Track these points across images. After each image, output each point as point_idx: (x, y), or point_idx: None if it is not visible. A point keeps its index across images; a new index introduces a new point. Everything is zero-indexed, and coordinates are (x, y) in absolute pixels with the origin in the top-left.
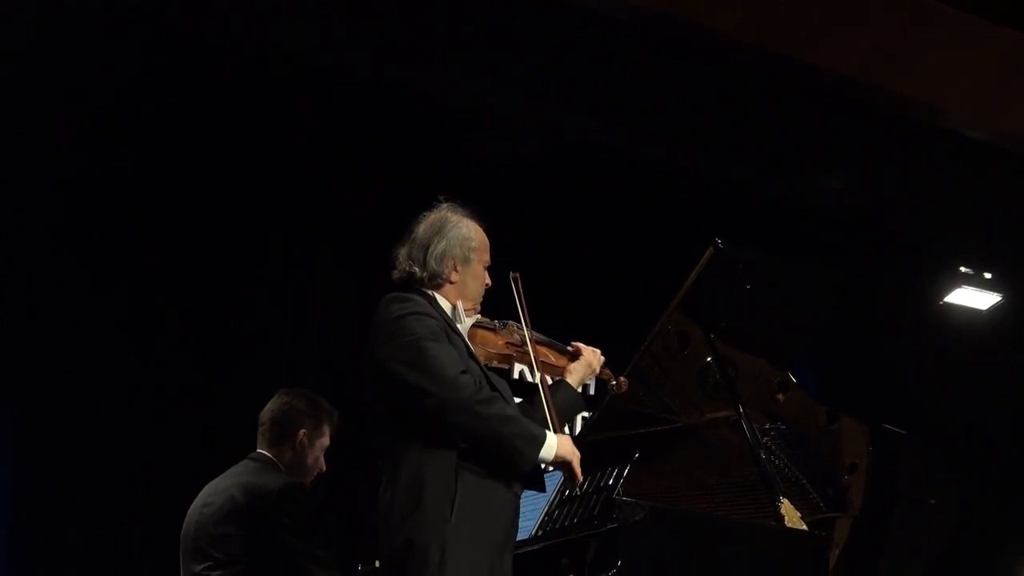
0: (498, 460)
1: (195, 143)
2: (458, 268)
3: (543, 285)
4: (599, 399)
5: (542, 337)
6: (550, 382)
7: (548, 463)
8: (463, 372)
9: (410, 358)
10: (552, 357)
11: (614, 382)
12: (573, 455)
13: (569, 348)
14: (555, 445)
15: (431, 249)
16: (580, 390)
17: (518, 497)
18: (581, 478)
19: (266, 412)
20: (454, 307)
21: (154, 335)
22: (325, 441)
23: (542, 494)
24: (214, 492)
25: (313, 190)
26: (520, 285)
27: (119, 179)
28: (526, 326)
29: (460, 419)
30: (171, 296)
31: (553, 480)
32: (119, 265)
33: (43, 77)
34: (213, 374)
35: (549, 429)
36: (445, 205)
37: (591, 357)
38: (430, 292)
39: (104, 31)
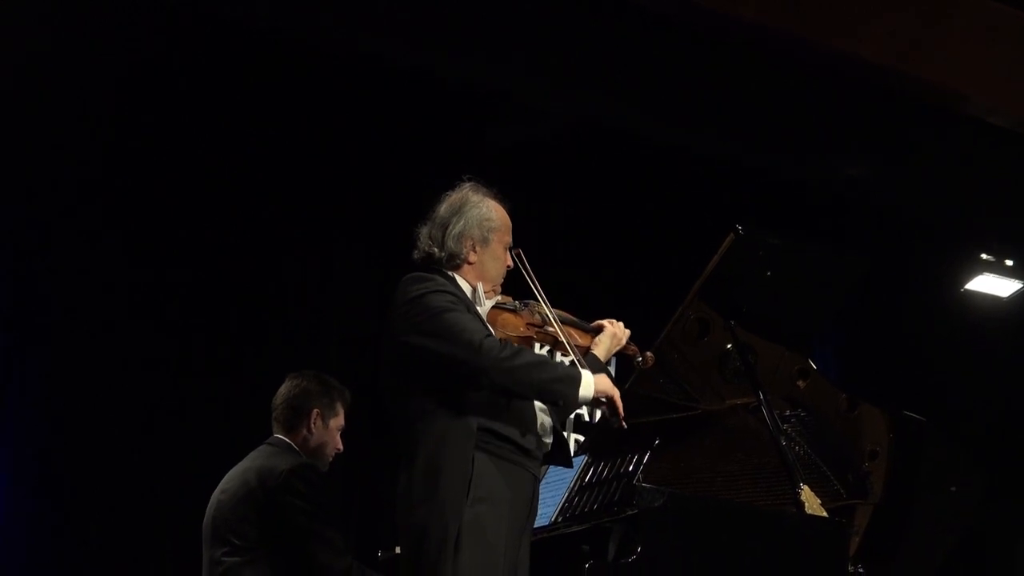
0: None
1: (214, 125)
2: (476, 248)
3: (563, 268)
4: (620, 385)
5: (564, 315)
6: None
7: (590, 400)
8: (489, 335)
9: (436, 329)
10: (576, 336)
11: (640, 358)
12: (613, 389)
13: (592, 325)
14: (592, 381)
15: (449, 229)
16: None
17: (536, 479)
18: (622, 412)
19: (279, 397)
20: (474, 289)
21: (172, 323)
22: (340, 421)
23: (562, 481)
24: (231, 478)
25: (333, 176)
26: (524, 260)
27: (138, 161)
28: (544, 302)
29: (496, 379)
30: (189, 283)
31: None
32: (135, 250)
33: (64, 59)
34: (230, 362)
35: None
36: (467, 185)
37: (614, 329)
38: (449, 273)
39: (123, 14)
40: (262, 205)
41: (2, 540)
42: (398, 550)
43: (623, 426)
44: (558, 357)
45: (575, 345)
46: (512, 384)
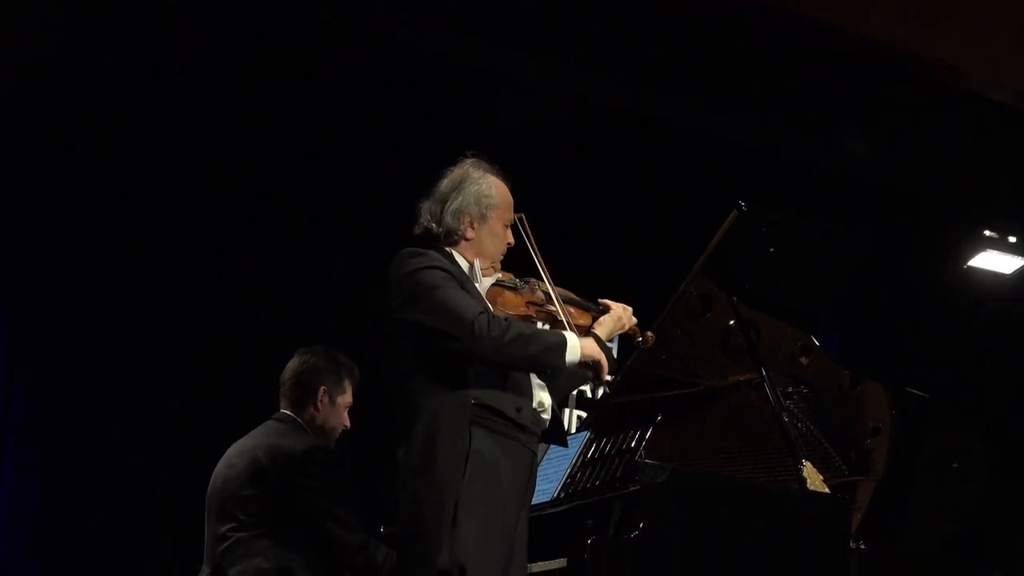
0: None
1: (214, 125)
2: (474, 225)
3: (568, 246)
4: (622, 362)
5: (566, 293)
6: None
7: (577, 363)
8: (481, 312)
9: (429, 306)
10: (575, 313)
11: (640, 338)
12: (599, 353)
13: (599, 306)
14: (579, 345)
15: (448, 205)
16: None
17: (534, 455)
18: (607, 377)
19: (287, 372)
20: (471, 265)
21: (172, 323)
22: (348, 398)
23: (565, 457)
24: (238, 453)
25: (333, 175)
26: (527, 225)
27: (138, 161)
28: (545, 277)
29: (489, 356)
30: (189, 283)
31: (574, 443)
32: (135, 250)
33: (64, 59)
34: (230, 362)
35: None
36: (469, 160)
37: (620, 312)
38: (447, 249)
39: (123, 14)
40: (262, 205)
41: (2, 540)
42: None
43: (607, 390)
44: None
45: (574, 324)
46: (504, 360)
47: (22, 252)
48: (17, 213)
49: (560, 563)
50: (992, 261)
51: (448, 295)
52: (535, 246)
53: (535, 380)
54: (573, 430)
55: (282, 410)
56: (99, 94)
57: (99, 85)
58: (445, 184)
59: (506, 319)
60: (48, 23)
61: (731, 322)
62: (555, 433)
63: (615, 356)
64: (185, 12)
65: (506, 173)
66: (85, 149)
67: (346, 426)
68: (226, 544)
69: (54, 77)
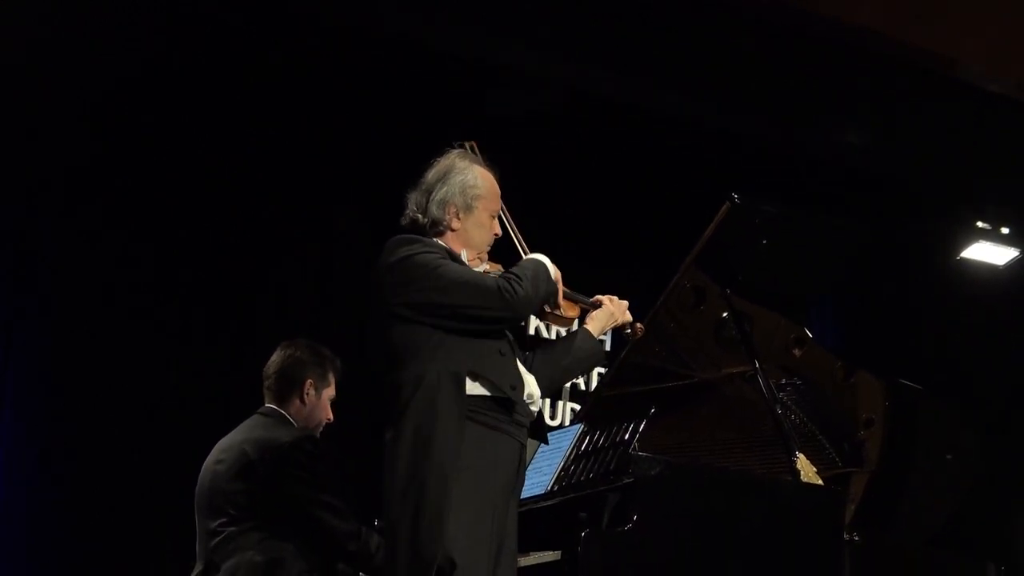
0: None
1: (214, 125)
2: (460, 215)
3: (560, 238)
4: (615, 354)
5: None
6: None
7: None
8: (493, 278)
9: (442, 283)
10: (564, 305)
11: (629, 329)
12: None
13: (591, 300)
14: (547, 261)
15: (433, 195)
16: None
17: (524, 447)
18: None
19: (271, 366)
20: (458, 256)
21: (172, 323)
22: (331, 391)
23: (558, 450)
24: (226, 448)
25: (332, 175)
26: (510, 217)
27: (138, 160)
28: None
29: (524, 315)
30: (189, 282)
31: (567, 435)
32: (135, 250)
33: (64, 59)
34: (231, 362)
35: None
36: (455, 151)
37: (612, 307)
38: (434, 240)
39: (123, 14)
40: (262, 205)
41: (2, 538)
42: None
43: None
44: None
45: (561, 316)
46: (532, 312)
47: (22, 252)
48: (17, 213)
49: (554, 556)
50: (985, 252)
51: (459, 271)
52: (519, 236)
53: (524, 372)
54: (567, 423)
55: (267, 404)
56: (99, 94)
57: (99, 85)
58: (431, 174)
59: (512, 275)
60: (48, 23)
61: (724, 314)
62: (536, 429)
63: (608, 350)
64: (185, 12)
65: (494, 164)
66: (85, 149)
67: (329, 419)
68: (217, 539)
69: (54, 77)
